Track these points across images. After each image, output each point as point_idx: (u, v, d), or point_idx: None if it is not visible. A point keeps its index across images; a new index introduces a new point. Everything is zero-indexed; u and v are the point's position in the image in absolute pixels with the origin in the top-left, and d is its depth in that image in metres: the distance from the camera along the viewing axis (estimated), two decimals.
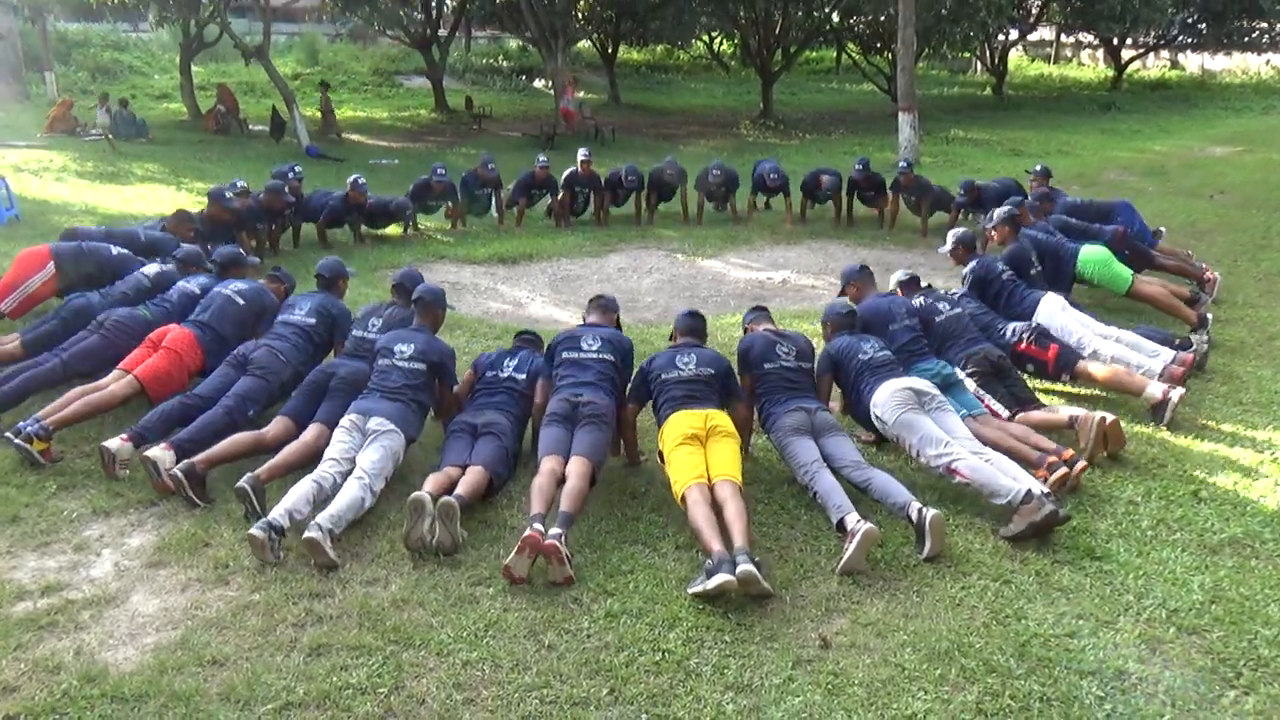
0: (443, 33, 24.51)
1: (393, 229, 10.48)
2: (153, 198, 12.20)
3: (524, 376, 4.86)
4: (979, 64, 39.23)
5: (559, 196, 10.90)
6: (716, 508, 3.85)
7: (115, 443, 4.49)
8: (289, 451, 4.37)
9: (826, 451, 4.32)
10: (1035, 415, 5.02)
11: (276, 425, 4.64)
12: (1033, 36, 38.77)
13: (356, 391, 4.63)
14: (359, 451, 4.27)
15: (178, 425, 4.67)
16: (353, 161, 16.39)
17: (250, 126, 19.96)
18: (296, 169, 10.33)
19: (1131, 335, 5.97)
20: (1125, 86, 31.20)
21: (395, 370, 4.60)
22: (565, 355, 4.69)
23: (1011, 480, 4.15)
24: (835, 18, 24.00)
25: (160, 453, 4.35)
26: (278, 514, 3.82)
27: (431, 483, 4.10)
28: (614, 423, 4.53)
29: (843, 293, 5.80)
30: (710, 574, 3.52)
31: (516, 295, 8.38)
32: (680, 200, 11.28)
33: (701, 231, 10.76)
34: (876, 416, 4.62)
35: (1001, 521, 4.06)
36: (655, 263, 9.48)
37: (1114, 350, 5.78)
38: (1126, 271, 6.91)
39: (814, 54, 37.34)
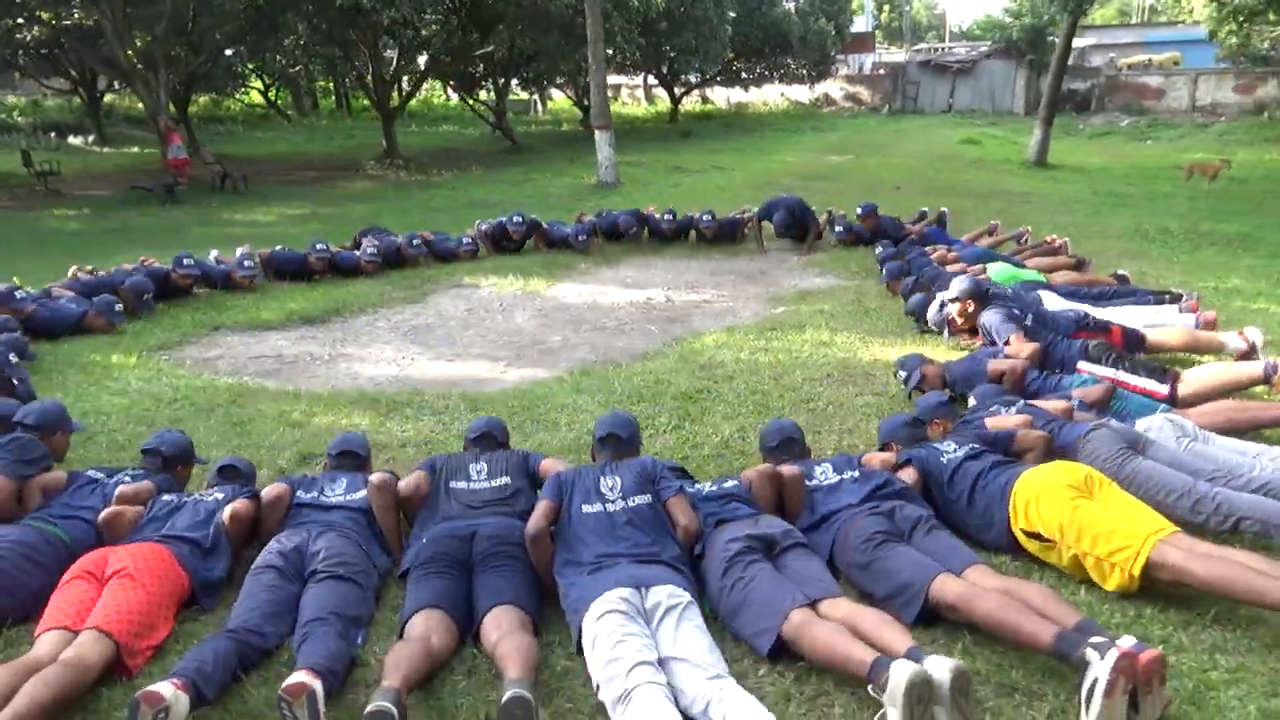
0: None
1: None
2: None
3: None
4: (539, 105, 41.22)
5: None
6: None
7: (167, 688, 2.38)
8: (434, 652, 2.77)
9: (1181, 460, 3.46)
10: (1197, 376, 4.44)
11: (432, 628, 2.82)
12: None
13: (513, 559, 3.13)
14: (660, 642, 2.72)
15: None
16: None
17: None
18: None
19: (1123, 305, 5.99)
20: (681, 119, 34.56)
21: (620, 519, 3.18)
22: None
23: None
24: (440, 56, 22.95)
25: (171, 691, 2.39)
26: None
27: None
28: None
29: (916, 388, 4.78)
30: None
31: (378, 355, 6.28)
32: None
33: (521, 260, 9.26)
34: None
35: None
36: (503, 299, 7.84)
37: (1128, 316, 5.72)
38: (1031, 270, 6.93)
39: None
